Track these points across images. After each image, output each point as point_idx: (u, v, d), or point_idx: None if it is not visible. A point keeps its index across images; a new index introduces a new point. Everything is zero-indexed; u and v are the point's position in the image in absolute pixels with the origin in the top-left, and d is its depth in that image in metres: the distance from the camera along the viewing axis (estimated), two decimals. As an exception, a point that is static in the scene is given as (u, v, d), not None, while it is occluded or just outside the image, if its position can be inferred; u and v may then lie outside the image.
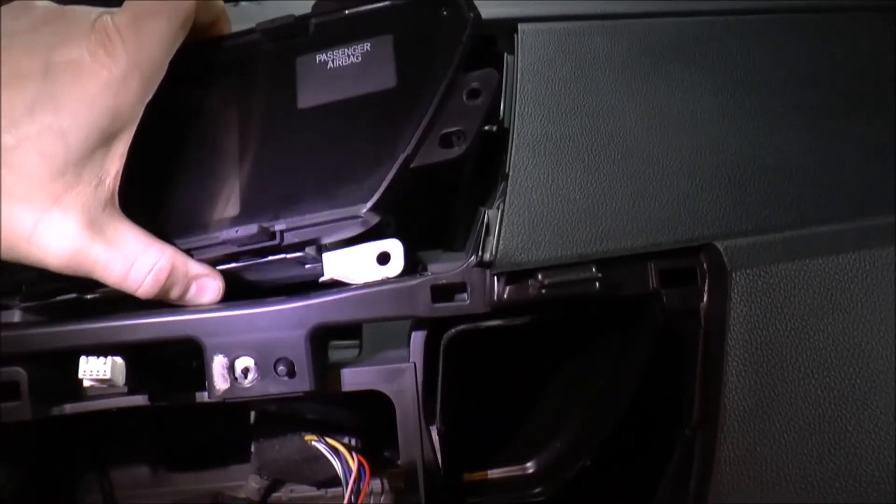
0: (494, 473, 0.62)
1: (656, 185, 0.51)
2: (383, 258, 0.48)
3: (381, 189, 0.44)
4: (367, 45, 0.46)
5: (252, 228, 0.45)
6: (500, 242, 0.47)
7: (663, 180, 0.51)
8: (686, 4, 0.60)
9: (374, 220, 0.46)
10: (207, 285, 0.49)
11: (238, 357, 0.49)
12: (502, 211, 0.48)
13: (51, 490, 0.67)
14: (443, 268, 0.49)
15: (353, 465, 0.60)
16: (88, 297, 0.51)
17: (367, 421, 0.64)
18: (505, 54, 0.55)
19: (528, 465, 0.61)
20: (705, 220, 0.49)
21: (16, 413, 0.49)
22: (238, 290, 0.51)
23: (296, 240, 0.46)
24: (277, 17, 0.48)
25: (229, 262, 0.49)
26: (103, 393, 0.52)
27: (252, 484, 0.68)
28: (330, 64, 0.47)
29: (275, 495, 0.69)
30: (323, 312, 0.48)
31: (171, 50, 0.44)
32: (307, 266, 0.50)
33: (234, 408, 0.66)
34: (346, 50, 0.47)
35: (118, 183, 0.44)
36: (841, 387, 0.45)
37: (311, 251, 0.48)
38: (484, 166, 0.55)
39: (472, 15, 0.45)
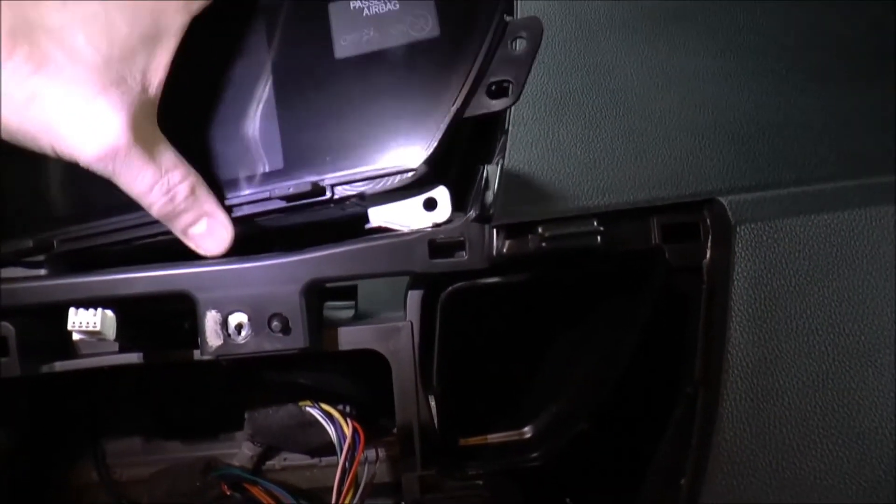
0: (491, 438, 0.61)
1: (658, 140, 0.50)
2: (430, 204, 0.47)
3: (436, 142, 0.43)
4: None
5: (305, 185, 0.44)
6: (500, 196, 0.46)
7: (665, 136, 0.50)
8: None
9: (425, 172, 0.44)
10: (218, 229, 0.47)
11: (231, 313, 0.48)
12: (501, 165, 0.47)
13: (43, 458, 0.66)
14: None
15: (348, 432, 0.59)
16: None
17: (361, 388, 0.63)
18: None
19: (526, 429, 0.61)
20: (708, 175, 0.49)
21: (4, 369, 0.48)
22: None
23: (345, 194, 0.45)
24: None
25: (273, 215, 0.47)
26: (94, 351, 0.51)
27: (245, 451, 0.67)
28: (365, 11, 0.45)
29: (268, 463, 0.69)
30: (318, 267, 0.47)
31: None
32: (347, 211, 0.48)
33: (227, 373, 0.65)
34: None
35: (159, 96, 0.43)
36: (844, 343, 0.45)
37: (355, 202, 0.47)
38: (482, 124, 0.54)
39: None
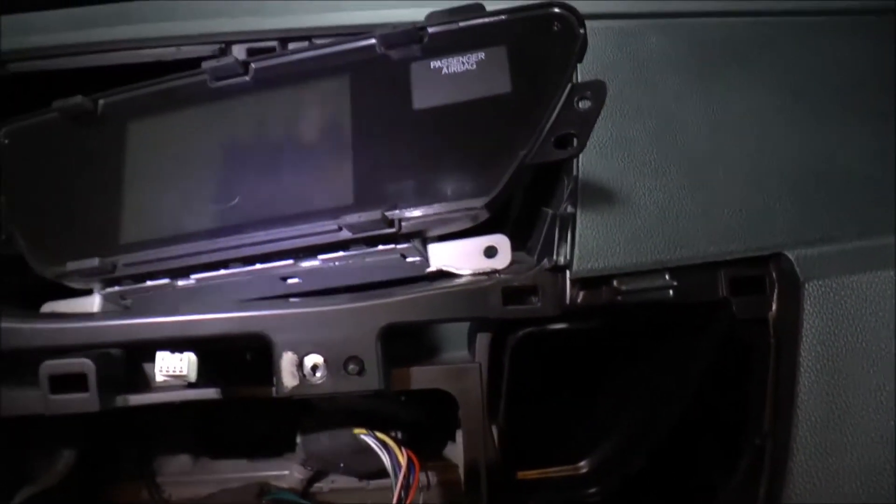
0: (548, 472, 0.62)
1: (723, 192, 0.51)
2: (490, 251, 0.50)
3: (502, 184, 0.45)
4: (481, 55, 0.48)
5: (375, 214, 0.46)
6: (576, 247, 0.47)
7: (729, 188, 0.51)
8: (736, 4, 0.59)
9: (485, 215, 0.47)
10: None
11: (307, 354, 0.49)
12: (574, 215, 0.48)
13: (96, 478, 0.67)
14: (512, 269, 0.50)
15: (403, 461, 0.60)
16: (180, 283, 0.51)
17: (409, 411, 0.64)
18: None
19: (581, 464, 0.62)
20: (773, 228, 0.50)
21: (83, 404, 0.48)
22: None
23: (409, 230, 0.47)
24: (397, 23, 0.49)
25: (336, 251, 0.49)
26: (169, 385, 0.52)
27: (295, 474, 0.68)
28: (444, 70, 0.49)
29: (316, 485, 0.70)
30: (395, 312, 0.48)
31: None
32: (407, 260, 0.50)
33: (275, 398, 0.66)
34: (460, 58, 0.48)
35: None
36: (912, 399, 0.46)
37: (417, 243, 0.49)
38: (545, 172, 0.55)
39: (582, 31, 0.46)
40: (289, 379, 0.49)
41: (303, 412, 0.65)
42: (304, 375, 0.49)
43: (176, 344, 0.49)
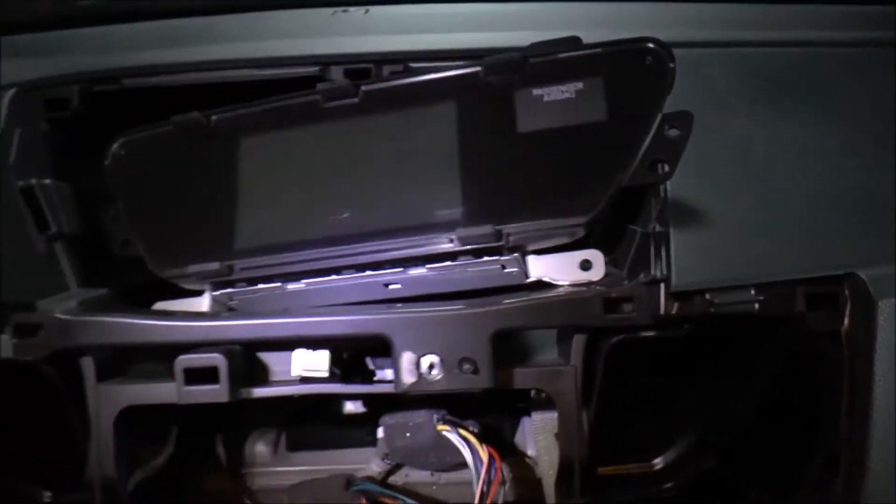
0: (624, 468, 0.67)
1: (796, 214, 0.55)
2: (585, 265, 0.56)
3: (602, 203, 0.51)
4: (579, 85, 0.53)
5: (486, 229, 0.51)
6: (672, 263, 0.52)
7: (801, 210, 0.56)
8: (794, 34, 0.63)
9: (583, 232, 0.52)
10: None
11: (425, 354, 0.53)
12: (667, 233, 0.54)
13: (184, 467, 0.71)
14: (605, 280, 0.55)
15: (485, 457, 0.65)
16: (290, 287, 0.56)
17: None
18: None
19: (656, 461, 0.67)
20: (845, 249, 0.55)
21: (215, 395, 0.53)
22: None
23: (513, 244, 0.53)
24: (497, 48, 0.54)
25: (443, 261, 0.54)
26: (286, 380, 0.56)
27: (374, 467, 0.73)
28: (545, 97, 0.53)
29: (391, 478, 0.74)
30: (506, 318, 0.53)
31: None
32: (505, 270, 0.55)
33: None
34: (560, 87, 0.53)
35: None
36: None
37: (518, 256, 0.54)
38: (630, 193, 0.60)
39: (672, 65, 0.51)
40: (408, 376, 0.53)
41: (385, 408, 0.69)
42: (422, 373, 0.53)
43: (306, 343, 0.53)
